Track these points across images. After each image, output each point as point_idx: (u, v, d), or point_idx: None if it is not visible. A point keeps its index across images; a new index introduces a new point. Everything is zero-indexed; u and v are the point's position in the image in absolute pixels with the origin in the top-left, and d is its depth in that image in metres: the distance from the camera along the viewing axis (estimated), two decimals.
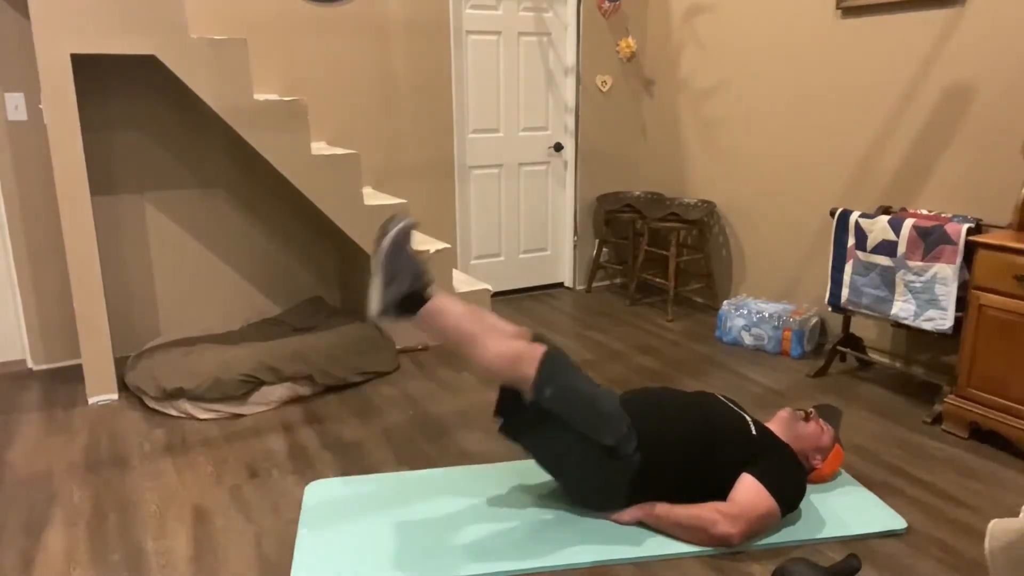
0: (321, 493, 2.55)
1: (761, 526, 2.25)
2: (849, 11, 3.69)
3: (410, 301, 2.27)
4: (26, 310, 3.66)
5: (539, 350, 2.27)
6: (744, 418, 2.43)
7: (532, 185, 4.91)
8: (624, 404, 2.44)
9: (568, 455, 2.32)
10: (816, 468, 2.54)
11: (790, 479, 2.33)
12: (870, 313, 3.35)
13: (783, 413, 2.56)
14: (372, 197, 3.97)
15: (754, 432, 2.38)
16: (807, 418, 2.54)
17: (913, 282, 3.14)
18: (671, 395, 2.52)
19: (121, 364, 3.66)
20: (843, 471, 2.69)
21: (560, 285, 5.21)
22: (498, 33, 4.56)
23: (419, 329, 2.32)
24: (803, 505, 2.46)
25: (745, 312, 4.01)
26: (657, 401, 2.45)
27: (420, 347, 3.99)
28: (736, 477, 2.31)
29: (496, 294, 4.90)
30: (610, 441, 2.26)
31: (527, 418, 2.32)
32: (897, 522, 2.37)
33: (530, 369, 2.24)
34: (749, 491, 2.26)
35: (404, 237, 2.26)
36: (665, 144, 4.96)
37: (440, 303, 2.30)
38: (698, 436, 2.34)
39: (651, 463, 2.30)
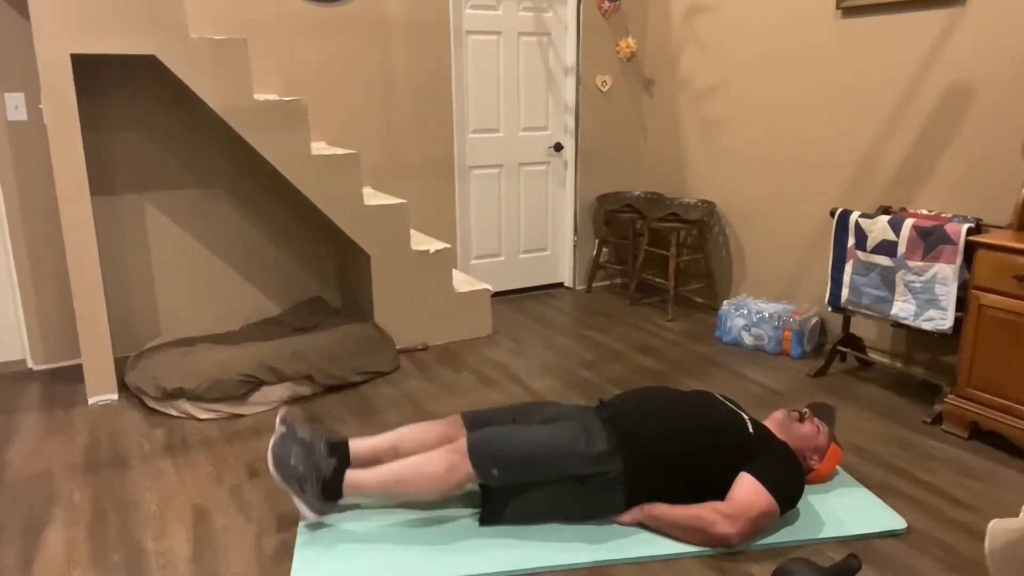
0: None
1: (760, 525, 2.25)
2: (849, 11, 3.69)
3: (329, 490, 2.27)
4: (26, 310, 3.66)
5: (462, 445, 2.28)
6: (741, 417, 2.43)
7: (532, 185, 4.91)
8: (621, 405, 2.45)
9: (554, 501, 2.33)
10: (814, 468, 2.54)
11: (788, 477, 2.33)
12: (870, 313, 3.35)
13: (778, 414, 2.56)
14: (372, 197, 3.97)
15: (751, 430, 2.39)
16: (802, 419, 2.54)
17: (913, 282, 3.14)
18: (668, 395, 2.52)
19: (121, 364, 3.66)
20: (842, 471, 2.69)
21: (560, 285, 5.21)
22: (498, 33, 4.56)
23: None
24: (803, 505, 2.46)
25: (745, 312, 4.01)
26: (654, 401, 2.46)
27: (420, 347, 4.00)
28: (734, 476, 2.31)
29: (496, 294, 4.90)
30: (578, 471, 2.27)
31: (499, 499, 2.33)
32: (897, 522, 2.37)
33: (464, 467, 2.25)
34: (747, 490, 2.26)
35: (281, 447, 2.26)
36: (665, 144, 4.96)
37: (354, 474, 2.29)
38: (695, 435, 2.34)
39: (649, 463, 2.30)
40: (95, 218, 3.69)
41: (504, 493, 2.32)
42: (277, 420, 2.35)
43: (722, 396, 2.57)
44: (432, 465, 2.26)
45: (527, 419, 2.50)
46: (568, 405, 2.59)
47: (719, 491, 2.31)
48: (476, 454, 2.26)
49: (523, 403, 2.62)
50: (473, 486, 2.42)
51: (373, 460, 2.41)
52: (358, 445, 2.42)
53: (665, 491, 2.33)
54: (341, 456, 2.34)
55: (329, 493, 2.27)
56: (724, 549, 2.24)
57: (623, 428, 2.35)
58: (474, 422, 2.50)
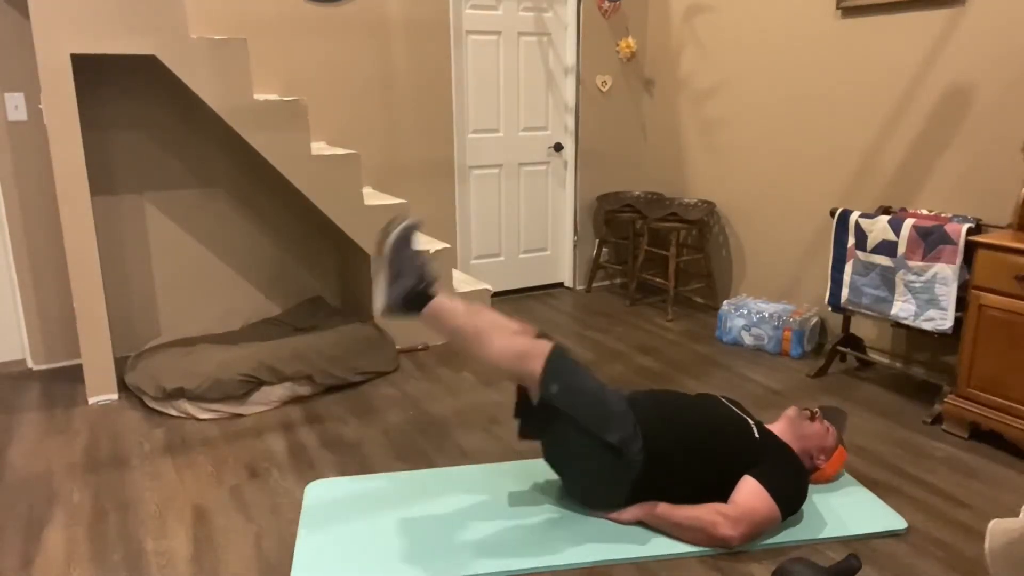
0: (321, 493, 2.55)
1: (761, 529, 2.25)
2: (849, 11, 3.69)
3: (415, 298, 2.30)
4: (26, 310, 3.66)
5: (546, 347, 2.29)
6: (747, 421, 2.43)
7: (532, 185, 4.91)
8: (629, 405, 2.45)
9: (573, 452, 2.33)
10: (819, 468, 2.54)
11: (792, 483, 2.33)
12: (870, 313, 3.35)
13: (790, 412, 2.57)
14: (372, 197, 3.97)
15: (756, 435, 2.39)
16: (812, 418, 2.55)
17: (913, 282, 3.14)
18: (675, 397, 2.52)
19: (121, 364, 3.66)
20: (844, 471, 2.69)
21: (560, 285, 5.21)
22: (498, 33, 4.56)
23: (425, 325, 2.34)
24: (803, 505, 2.46)
25: (745, 312, 4.01)
26: (661, 403, 2.45)
27: (420, 347, 3.99)
28: (738, 479, 2.31)
29: (496, 294, 4.90)
30: (615, 439, 2.27)
31: (538, 416, 2.34)
32: (897, 522, 2.37)
33: (536, 365, 2.25)
34: (750, 493, 2.26)
35: (408, 235, 2.29)
36: (665, 144, 4.96)
37: (444, 301, 2.33)
38: (701, 439, 2.34)
39: (654, 464, 2.30)
40: (95, 218, 3.69)
41: (543, 412, 2.31)
42: (407, 220, 2.31)
43: (726, 399, 2.57)
44: (511, 344, 2.27)
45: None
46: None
47: (722, 494, 2.31)
48: (552, 364, 2.26)
49: None
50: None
51: (448, 333, 2.35)
52: (439, 307, 2.34)
53: (669, 490, 2.33)
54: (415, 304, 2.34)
55: (412, 302, 2.30)
56: (724, 550, 2.24)
57: (644, 428, 2.35)
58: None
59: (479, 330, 2.29)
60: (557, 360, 2.28)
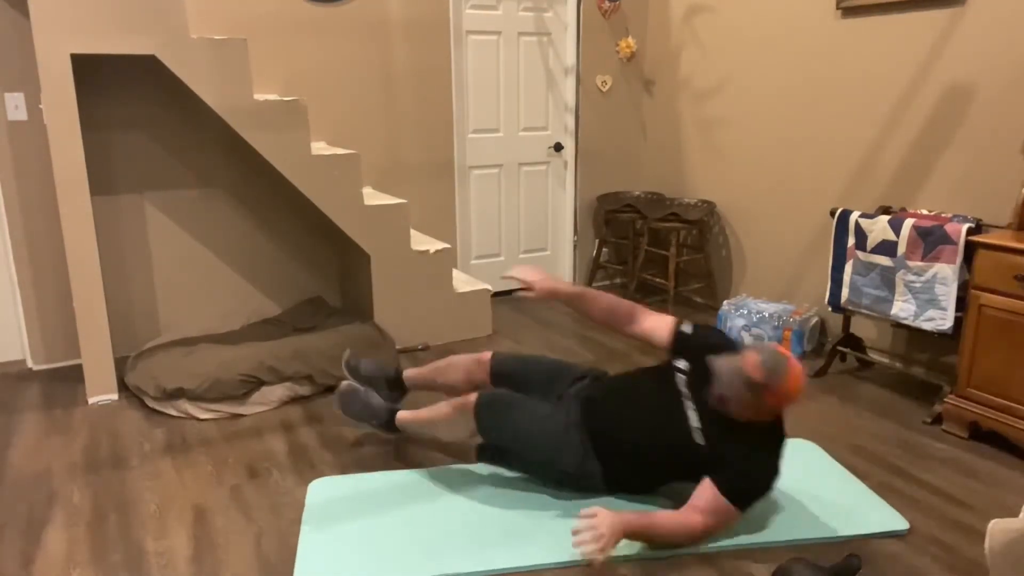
0: (324, 491, 2.56)
1: (721, 527, 2.26)
2: (849, 11, 3.69)
3: (389, 422, 2.80)
4: (26, 310, 3.66)
5: (471, 400, 2.46)
6: (688, 430, 2.29)
7: (532, 185, 4.91)
8: (582, 410, 2.48)
9: (538, 472, 2.54)
10: (783, 407, 2.22)
11: (748, 480, 2.24)
12: (870, 313, 3.35)
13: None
14: (372, 197, 3.97)
15: (700, 442, 2.28)
16: (723, 401, 2.24)
17: (913, 282, 3.14)
18: (627, 396, 2.46)
19: (121, 364, 3.66)
20: (843, 471, 2.69)
21: None
22: (498, 33, 4.56)
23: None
24: (804, 504, 2.47)
25: (745, 312, 4.01)
26: (613, 406, 2.46)
27: (420, 347, 3.99)
28: (698, 475, 2.28)
29: (496, 294, 4.90)
30: (563, 467, 2.44)
31: (493, 448, 2.57)
32: (898, 522, 2.37)
33: (471, 423, 2.46)
34: (707, 498, 2.23)
35: (349, 394, 2.85)
36: (665, 144, 4.96)
37: (401, 413, 2.77)
38: (647, 455, 2.40)
39: (615, 464, 2.44)
40: (95, 218, 3.69)
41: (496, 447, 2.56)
42: (344, 362, 2.97)
43: (684, 393, 2.36)
44: (446, 413, 2.55)
45: (560, 379, 2.67)
46: (563, 398, 2.60)
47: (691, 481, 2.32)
48: (481, 414, 2.44)
49: (556, 361, 2.77)
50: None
51: (424, 384, 2.93)
52: (409, 373, 2.97)
53: (641, 482, 2.48)
54: (398, 386, 2.96)
55: (388, 425, 2.81)
56: (725, 548, 2.24)
57: (597, 430, 2.44)
58: (499, 372, 2.73)
59: (427, 422, 2.64)
60: (484, 411, 2.44)
